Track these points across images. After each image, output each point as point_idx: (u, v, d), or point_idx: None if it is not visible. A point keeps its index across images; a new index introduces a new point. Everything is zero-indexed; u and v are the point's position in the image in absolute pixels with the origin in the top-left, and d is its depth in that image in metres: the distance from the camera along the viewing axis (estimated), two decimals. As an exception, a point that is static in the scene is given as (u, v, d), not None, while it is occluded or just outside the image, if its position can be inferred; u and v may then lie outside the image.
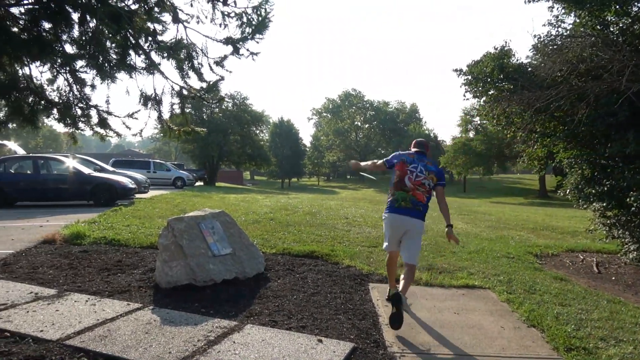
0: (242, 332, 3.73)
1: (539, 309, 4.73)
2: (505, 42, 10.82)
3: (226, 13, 5.44)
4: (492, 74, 10.19)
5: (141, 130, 6.18)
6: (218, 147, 41.99)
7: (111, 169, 20.24)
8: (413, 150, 4.92)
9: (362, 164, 5.27)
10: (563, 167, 8.58)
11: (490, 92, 10.40)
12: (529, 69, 9.39)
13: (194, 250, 5.11)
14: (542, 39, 8.35)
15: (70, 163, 14.37)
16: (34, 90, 5.41)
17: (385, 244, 4.73)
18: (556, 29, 8.67)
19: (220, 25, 5.48)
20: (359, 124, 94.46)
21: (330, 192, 50.02)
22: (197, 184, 35.62)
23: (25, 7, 4.83)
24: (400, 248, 4.63)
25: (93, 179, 13.99)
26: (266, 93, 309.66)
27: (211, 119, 42.78)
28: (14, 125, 5.38)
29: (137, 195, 16.56)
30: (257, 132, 53.23)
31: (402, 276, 4.60)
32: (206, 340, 3.54)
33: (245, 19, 5.34)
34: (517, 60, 10.33)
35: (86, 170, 14.63)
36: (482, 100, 10.76)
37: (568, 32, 8.24)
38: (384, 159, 4.93)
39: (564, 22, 8.70)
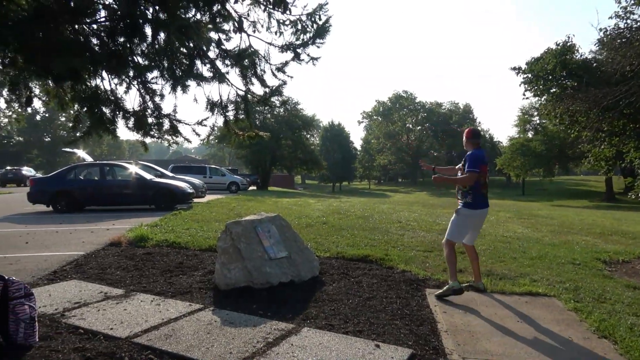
0: (300, 335, 3.76)
1: (611, 319, 4.46)
2: (568, 37, 10.41)
3: (281, 21, 5.58)
4: (554, 71, 9.80)
5: (208, 136, 6.45)
6: (270, 152, 42.75)
7: (170, 174, 20.97)
8: (472, 145, 5.24)
9: (447, 176, 5.65)
10: (634, 168, 8.05)
11: (552, 90, 10.01)
12: (594, 65, 8.91)
13: (251, 254, 5.21)
14: (608, 33, 7.89)
15: (134, 169, 15.07)
16: (114, 101, 5.69)
17: (456, 237, 5.30)
18: (624, 22, 8.19)
19: (275, 33, 5.67)
20: (411, 126, 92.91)
21: (381, 196, 49.48)
22: (251, 188, 36.64)
23: (100, 23, 5.21)
24: (470, 236, 5.40)
25: (155, 185, 14.52)
26: (316, 97, 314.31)
27: (263, 124, 43.75)
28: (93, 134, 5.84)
29: (195, 200, 17.09)
30: (308, 136, 53.90)
31: (472, 264, 5.45)
32: (265, 342, 3.59)
33: (299, 26, 5.45)
34: (581, 55, 9.86)
35: (148, 176, 15.24)
36: (543, 99, 10.35)
37: (639, 24, 7.74)
38: (472, 169, 5.14)
39: (633, 14, 8.19)
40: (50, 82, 5.53)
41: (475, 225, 5.39)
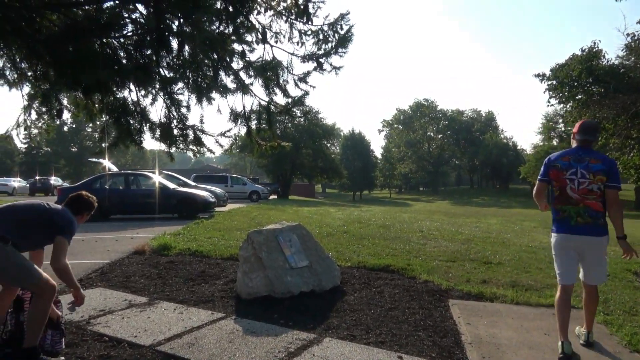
0: (321, 345, 3.75)
1: (643, 333, 4.60)
2: (594, 43, 10.21)
3: (303, 31, 5.63)
4: (580, 78, 9.62)
5: (231, 146, 6.50)
6: (291, 161, 43.09)
7: (193, 183, 21.32)
8: (575, 142, 3.98)
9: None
10: (665, 176, 7.85)
11: (578, 97, 9.82)
12: (622, 70, 8.72)
13: (272, 263, 5.21)
14: (636, 37, 7.71)
15: (157, 179, 15.30)
16: (140, 113, 5.79)
17: (558, 274, 3.97)
18: (653, 26, 8.01)
19: (297, 43, 5.71)
20: (432, 134, 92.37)
21: (402, 205, 49.16)
22: (271, 197, 37.05)
23: (128, 36, 5.41)
24: (583, 271, 3.94)
25: (177, 194, 14.76)
26: (337, 106, 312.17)
27: (284, 133, 43.87)
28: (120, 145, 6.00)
29: (217, 209, 17.24)
30: (329, 145, 54.10)
31: (584, 307, 4.03)
32: (287, 351, 3.59)
33: (321, 36, 5.48)
34: (608, 61, 9.66)
35: (171, 185, 15.56)
36: (568, 106, 10.16)
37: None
38: (539, 177, 4.06)
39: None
40: (79, 94, 5.65)
41: (570, 258, 3.87)
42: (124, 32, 5.17)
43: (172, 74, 5.61)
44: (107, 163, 20.80)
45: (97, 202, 3.85)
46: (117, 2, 5.25)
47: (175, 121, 5.95)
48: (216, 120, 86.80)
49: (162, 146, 6.10)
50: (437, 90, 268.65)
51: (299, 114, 7.32)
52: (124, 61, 5.42)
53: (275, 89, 5.87)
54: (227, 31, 5.48)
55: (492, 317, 4.69)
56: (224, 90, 5.60)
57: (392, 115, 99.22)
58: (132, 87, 5.78)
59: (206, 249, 7.78)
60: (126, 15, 5.17)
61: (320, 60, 5.67)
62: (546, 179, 3.98)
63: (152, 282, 5.71)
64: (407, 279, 6.12)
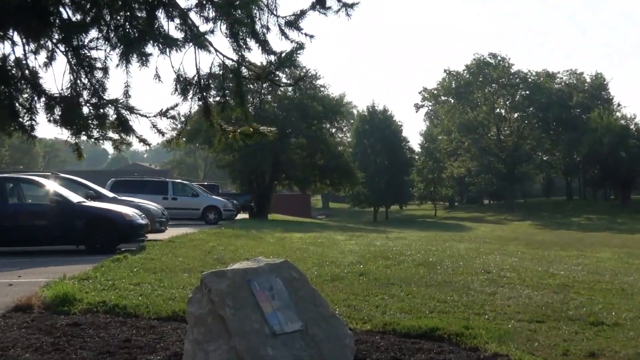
0: None
1: None
2: None
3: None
4: None
5: (178, 135, 5.49)
6: (271, 156, 36.64)
7: (111, 194, 18.66)
8: None
9: None
10: None
11: None
12: None
13: (242, 325, 4.93)
14: None
15: (52, 187, 13.57)
16: (29, 80, 4.99)
17: None
18: None
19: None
20: (503, 111, 77.62)
21: (456, 228, 42.91)
22: (240, 216, 32.56)
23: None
24: None
25: (85, 211, 13.31)
26: (348, 71, 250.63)
27: (262, 113, 36.92)
28: None
29: (151, 236, 15.23)
30: (333, 130, 46.00)
31: None
32: None
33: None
34: None
35: (75, 197, 13.70)
36: None
37: None
38: None
39: None
40: None
41: None
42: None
43: (79, 16, 4.86)
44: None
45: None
46: None
47: (86, 93, 5.21)
48: (153, 92, 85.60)
49: (65, 133, 5.22)
50: (511, 41, 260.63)
51: (286, 81, 7.11)
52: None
53: (248, 40, 5.11)
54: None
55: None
56: (166, 42, 4.86)
57: (438, 81, 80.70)
58: (15, 37, 4.96)
59: (132, 303, 7.11)
60: None
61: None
62: None
63: (43, 359, 5.15)
64: (465, 350, 5.62)
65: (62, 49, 4.98)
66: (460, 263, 11.51)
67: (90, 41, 4.97)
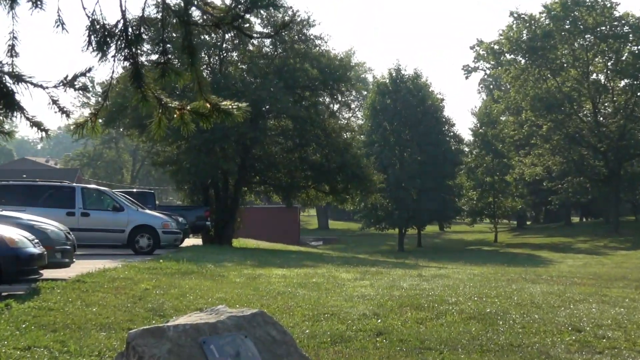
0: None
1: None
2: None
3: None
4: None
5: (95, 115, 4.85)
6: (239, 149, 26.13)
7: None
8: None
9: None
10: None
11: None
12: None
13: None
14: None
15: None
16: None
17: None
18: None
19: None
20: (602, 78, 50.84)
21: (528, 260, 32.95)
22: (190, 241, 24.63)
23: None
24: None
25: None
26: (359, 21, 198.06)
27: (222, 78, 26.29)
28: None
29: (48, 273, 10.47)
30: (335, 107, 32.31)
31: None
32: None
33: None
34: None
35: None
36: None
37: None
38: None
39: None
40: None
41: None
42: None
43: None
44: None
45: None
46: None
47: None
48: (54, 50, 74.24)
49: None
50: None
51: (262, 29, 5.89)
52: None
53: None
54: None
55: None
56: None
57: (502, 30, 53.20)
58: None
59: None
60: None
61: None
62: None
63: None
64: None
65: None
66: (535, 316, 8.30)
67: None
